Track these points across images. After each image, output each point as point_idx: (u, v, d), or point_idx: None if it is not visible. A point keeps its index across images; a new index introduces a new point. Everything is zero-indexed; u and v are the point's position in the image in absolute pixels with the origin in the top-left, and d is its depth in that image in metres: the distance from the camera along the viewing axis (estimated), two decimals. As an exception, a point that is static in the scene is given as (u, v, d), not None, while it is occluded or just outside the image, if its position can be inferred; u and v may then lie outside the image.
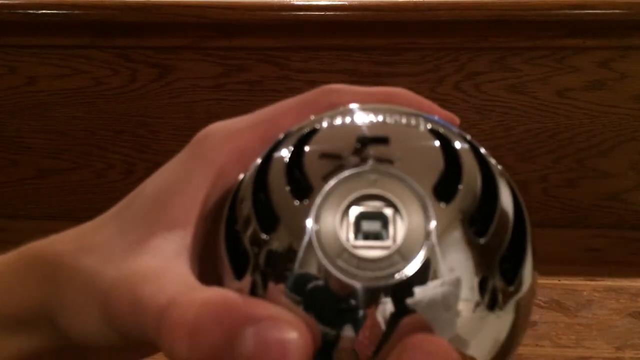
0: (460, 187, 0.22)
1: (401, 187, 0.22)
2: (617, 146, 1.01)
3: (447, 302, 0.21)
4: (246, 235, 0.23)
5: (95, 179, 1.04)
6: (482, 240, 0.22)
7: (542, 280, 0.67)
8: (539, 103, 1.00)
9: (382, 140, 0.23)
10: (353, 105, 0.26)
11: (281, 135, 0.25)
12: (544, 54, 0.98)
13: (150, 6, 0.96)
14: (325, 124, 0.25)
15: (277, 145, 0.25)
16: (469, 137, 0.25)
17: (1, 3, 0.98)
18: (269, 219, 0.23)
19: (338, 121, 0.25)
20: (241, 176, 0.26)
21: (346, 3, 0.96)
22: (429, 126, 0.24)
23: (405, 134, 0.24)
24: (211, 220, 0.26)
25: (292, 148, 0.24)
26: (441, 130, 0.24)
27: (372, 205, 0.22)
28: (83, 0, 0.98)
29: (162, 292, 0.22)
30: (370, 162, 0.23)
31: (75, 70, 1.02)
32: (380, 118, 0.24)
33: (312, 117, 0.26)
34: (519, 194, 0.24)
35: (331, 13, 0.96)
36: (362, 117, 0.25)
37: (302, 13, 0.96)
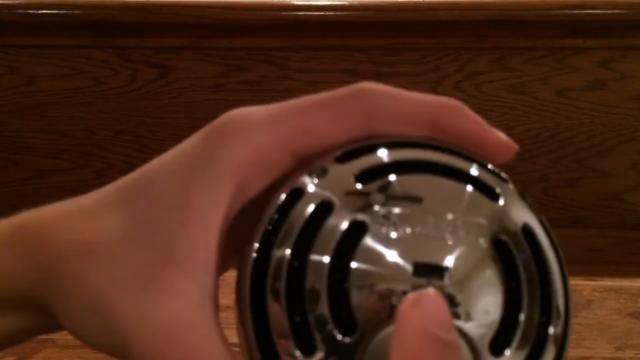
0: (516, 338, 0.22)
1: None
2: (617, 146, 1.01)
3: None
4: (281, 347, 0.22)
5: (95, 179, 1.04)
6: None
7: (542, 280, 0.68)
8: (539, 103, 1.00)
9: (438, 273, 0.21)
10: (397, 192, 0.23)
11: (309, 201, 0.23)
12: (544, 54, 0.98)
13: (150, 6, 0.96)
14: (370, 233, 0.22)
15: (311, 246, 0.22)
16: (528, 219, 0.23)
17: (1, 3, 0.98)
18: (307, 342, 0.21)
19: (384, 236, 0.22)
20: (257, 244, 0.23)
21: (346, 3, 0.96)
22: (491, 235, 0.22)
23: (464, 262, 0.22)
24: (229, 243, 0.25)
25: (331, 265, 0.22)
26: (504, 237, 0.22)
27: None
28: (83, 0, 0.98)
29: None
30: None
31: (75, 70, 1.02)
32: (435, 234, 0.22)
33: (345, 207, 0.22)
34: (569, 284, 0.24)
35: (331, 13, 0.96)
36: (416, 237, 0.22)
37: (302, 13, 0.96)
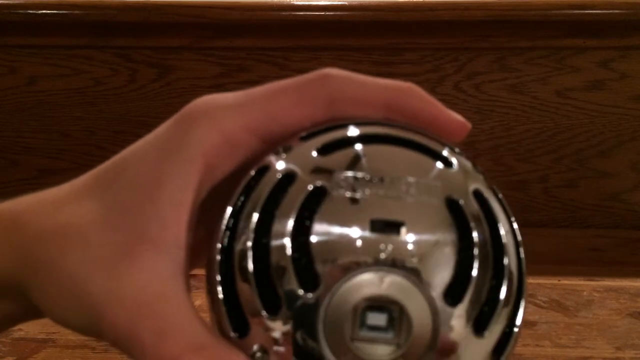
0: (470, 289, 0.23)
1: (412, 290, 0.22)
2: (617, 146, 1.01)
3: None
4: (247, 308, 0.23)
5: (95, 179, 1.04)
6: (484, 335, 0.23)
7: (542, 280, 0.67)
8: (539, 103, 1.00)
9: (395, 228, 0.22)
10: (360, 157, 0.24)
11: (274, 175, 0.24)
12: (544, 54, 0.98)
13: (150, 6, 0.96)
14: (331, 195, 0.23)
15: (276, 207, 0.23)
16: (480, 186, 0.24)
17: (1, 3, 0.98)
18: (272, 302, 0.22)
19: (344, 194, 0.23)
20: (229, 215, 0.24)
21: (346, 3, 0.96)
22: (444, 196, 0.23)
23: (419, 218, 0.23)
24: (200, 223, 0.26)
25: (294, 225, 0.23)
26: (459, 198, 0.23)
27: (381, 308, 0.22)
28: (83, 0, 0.98)
29: (166, 343, 0.23)
30: (381, 258, 0.22)
31: (75, 70, 1.02)
32: (391, 194, 0.23)
33: (311, 170, 0.24)
34: (522, 250, 0.25)
35: (331, 13, 0.96)
36: (374, 196, 0.23)
37: (302, 13, 0.96)
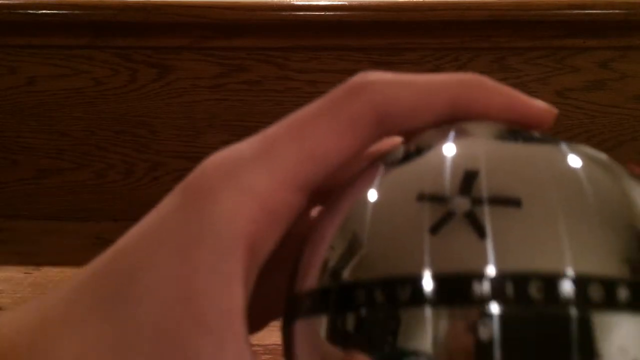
0: None
1: None
2: (617, 146, 1.01)
3: None
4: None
5: (95, 179, 1.04)
6: None
7: (542, 280, 0.68)
8: (539, 103, 1.00)
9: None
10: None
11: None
12: (544, 54, 0.98)
13: (150, 6, 0.96)
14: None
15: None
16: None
17: (1, 3, 0.98)
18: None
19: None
20: None
21: (346, 3, 0.96)
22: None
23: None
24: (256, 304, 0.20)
25: None
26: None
27: None
28: (83, 0, 0.98)
29: None
30: None
31: (75, 70, 1.02)
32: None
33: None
34: None
35: (331, 13, 0.96)
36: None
37: (302, 13, 0.96)
